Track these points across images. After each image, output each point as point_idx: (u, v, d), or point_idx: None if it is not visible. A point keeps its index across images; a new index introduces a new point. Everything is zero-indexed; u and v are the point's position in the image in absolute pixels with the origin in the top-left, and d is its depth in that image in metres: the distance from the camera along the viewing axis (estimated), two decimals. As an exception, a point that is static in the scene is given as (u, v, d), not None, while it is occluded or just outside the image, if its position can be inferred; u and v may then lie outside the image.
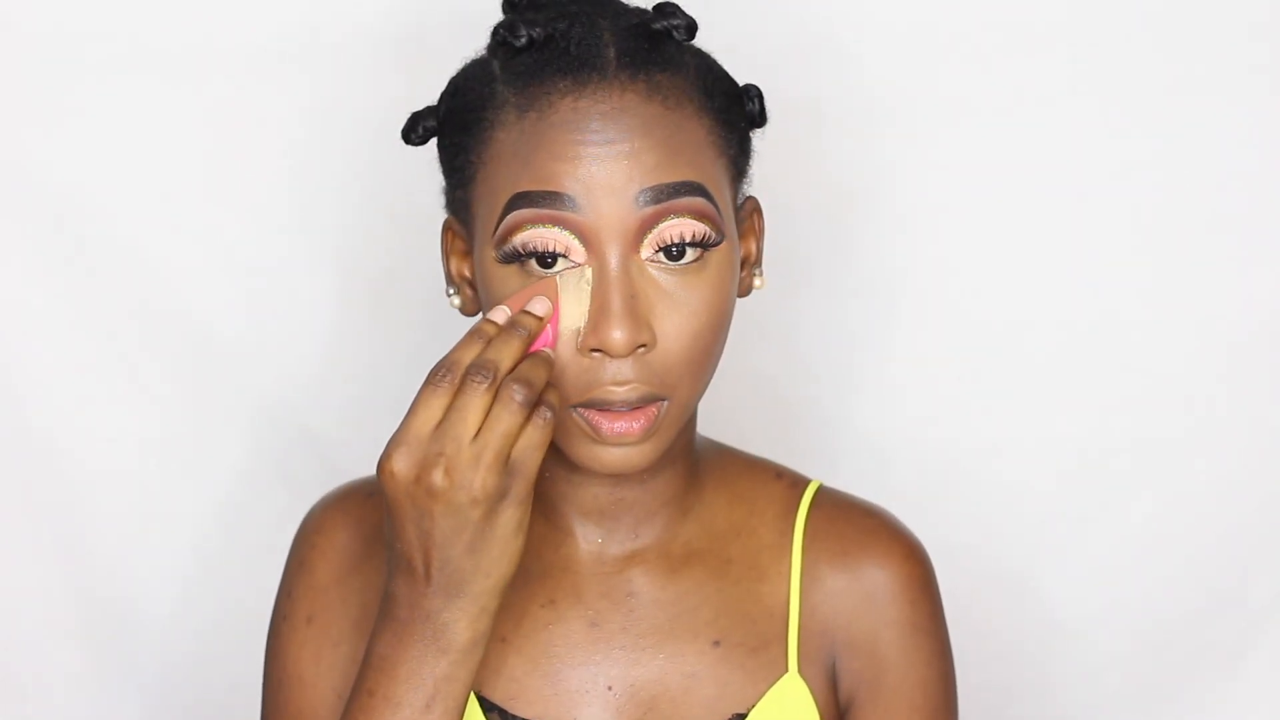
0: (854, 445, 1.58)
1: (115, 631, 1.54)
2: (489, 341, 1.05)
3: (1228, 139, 1.52)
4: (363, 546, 1.21)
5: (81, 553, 1.53)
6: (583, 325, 1.07)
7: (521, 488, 1.04)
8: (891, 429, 1.58)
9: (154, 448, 1.54)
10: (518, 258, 1.07)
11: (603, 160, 1.05)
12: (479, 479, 1.02)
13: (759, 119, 1.15)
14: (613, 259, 1.06)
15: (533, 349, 1.06)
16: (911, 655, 1.17)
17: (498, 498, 1.03)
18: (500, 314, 1.07)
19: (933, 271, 1.56)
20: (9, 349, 1.50)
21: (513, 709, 1.16)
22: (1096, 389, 1.56)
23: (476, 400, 1.03)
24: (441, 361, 1.05)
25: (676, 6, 1.11)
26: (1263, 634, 1.56)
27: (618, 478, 1.15)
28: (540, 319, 1.06)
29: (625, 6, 1.13)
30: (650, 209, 1.06)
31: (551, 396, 1.06)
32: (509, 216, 1.06)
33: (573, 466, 1.14)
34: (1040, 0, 1.52)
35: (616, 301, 1.06)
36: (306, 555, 1.22)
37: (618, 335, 1.05)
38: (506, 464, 1.03)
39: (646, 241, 1.07)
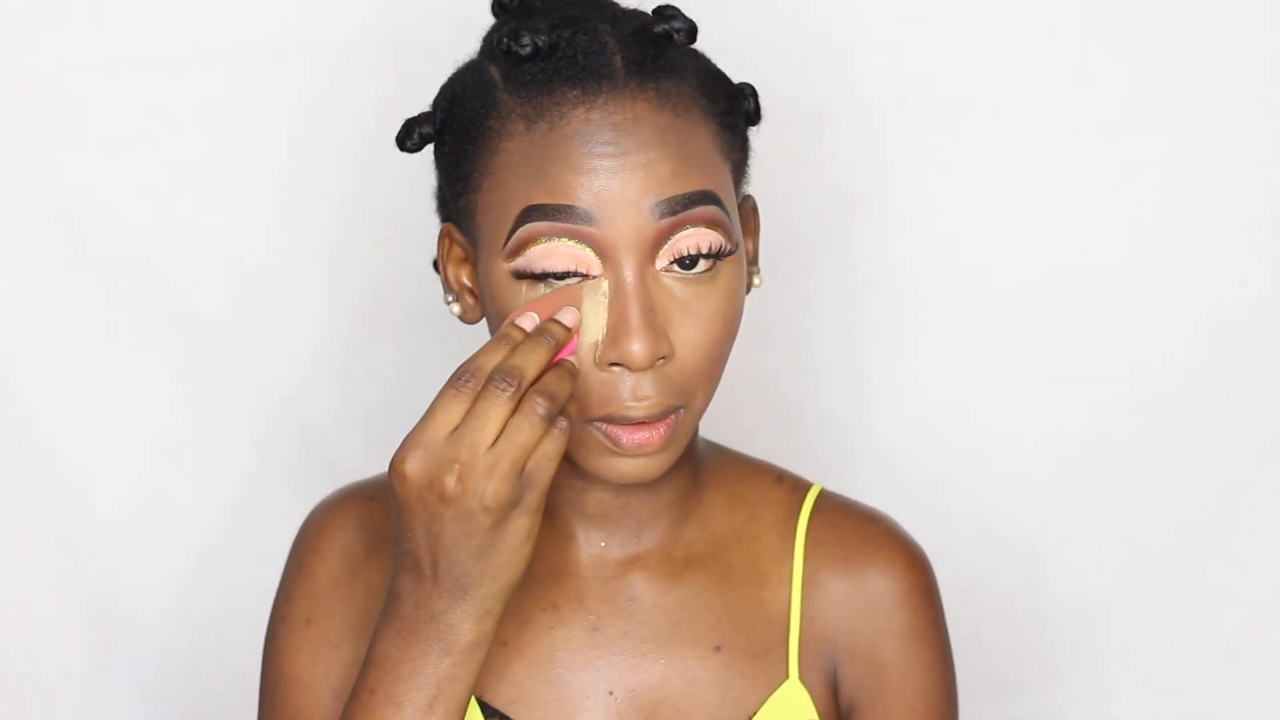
0: (858, 444, 1.58)
1: (115, 631, 1.54)
2: (515, 348, 1.04)
3: (1229, 138, 1.52)
4: (362, 550, 1.20)
5: (81, 552, 1.53)
6: (600, 339, 1.06)
7: (534, 497, 1.03)
8: (895, 427, 1.58)
9: (153, 447, 1.54)
10: (533, 277, 1.06)
11: (618, 172, 1.04)
12: (492, 488, 1.01)
13: (755, 117, 1.15)
14: (629, 271, 1.05)
15: (557, 358, 1.05)
16: (913, 663, 1.17)
17: (510, 506, 1.02)
18: (528, 320, 1.05)
19: (936, 271, 1.56)
20: (9, 349, 1.49)
21: (514, 714, 1.15)
22: (1097, 386, 1.56)
23: (497, 408, 1.02)
24: (465, 364, 1.04)
25: (676, 9, 1.10)
26: (1261, 627, 1.57)
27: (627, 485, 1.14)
28: (569, 329, 1.05)
29: (623, 9, 1.12)
30: (666, 220, 1.05)
31: (571, 408, 1.05)
32: (522, 229, 1.05)
33: (578, 473, 1.14)
34: (1041, 1, 1.51)
35: (635, 314, 1.04)
36: (306, 558, 1.21)
37: (638, 349, 1.04)
38: (521, 474, 1.02)
39: (662, 253, 1.06)
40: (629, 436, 1.07)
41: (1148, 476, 1.57)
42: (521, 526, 1.03)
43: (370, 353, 1.55)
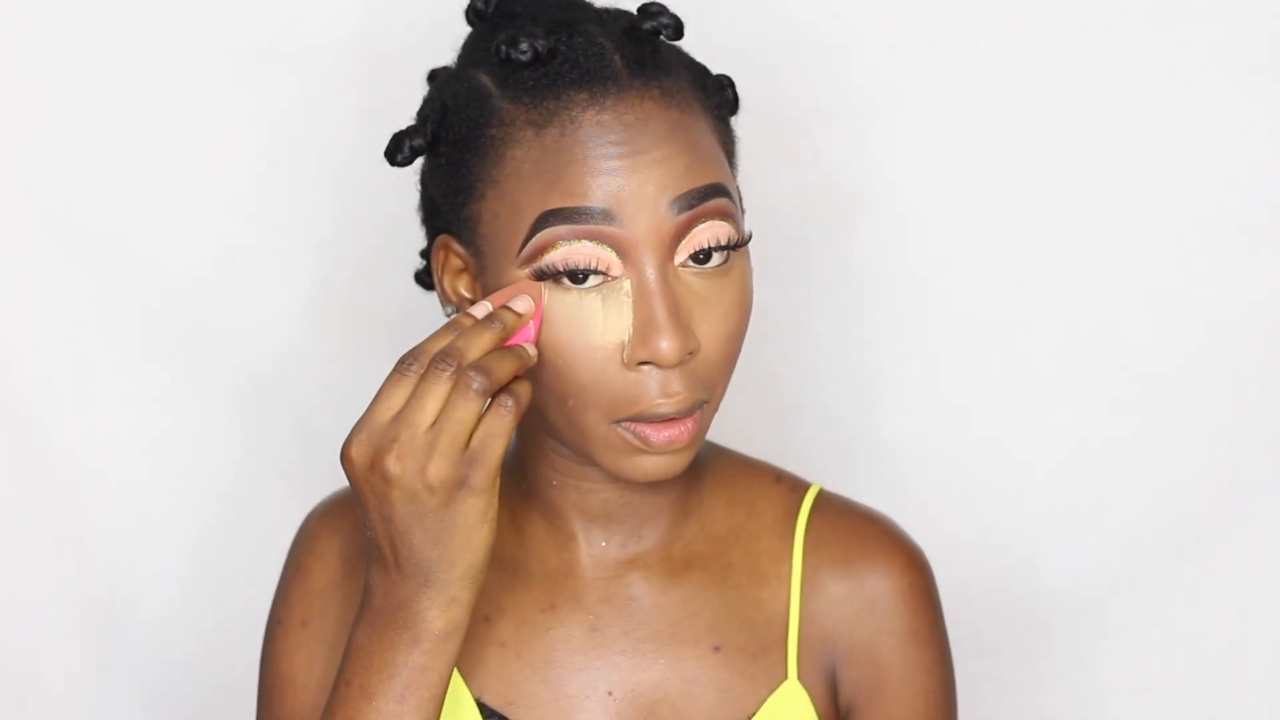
0: (858, 443, 1.58)
1: (114, 631, 1.54)
2: (460, 332, 1.05)
3: (1229, 136, 1.51)
4: (358, 552, 1.20)
5: (80, 552, 1.53)
6: (626, 338, 1.06)
7: (480, 477, 1.03)
8: (896, 426, 1.58)
9: (152, 447, 1.54)
10: (555, 275, 1.05)
11: (634, 171, 1.04)
12: (433, 466, 1.01)
13: (735, 107, 1.15)
14: (650, 269, 1.05)
15: (511, 343, 1.05)
16: (913, 664, 1.17)
17: (454, 485, 1.02)
18: (481, 309, 1.06)
19: (936, 270, 1.55)
20: (8, 349, 1.49)
21: (512, 714, 1.15)
22: (1097, 386, 1.56)
23: (436, 388, 1.02)
24: (411, 350, 1.05)
25: (660, 5, 1.11)
26: (1261, 627, 1.57)
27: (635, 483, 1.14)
28: (520, 315, 1.05)
29: (604, 10, 1.12)
30: (683, 216, 1.05)
31: (521, 389, 1.04)
32: (540, 234, 1.05)
33: (585, 473, 1.14)
34: (1039, -1, 1.52)
35: (662, 312, 1.05)
36: (303, 560, 1.22)
37: (667, 345, 1.04)
38: (464, 452, 1.02)
39: (680, 248, 1.06)
40: (659, 435, 1.07)
41: (1149, 476, 1.56)
42: (473, 507, 1.03)
43: (366, 352, 1.54)
